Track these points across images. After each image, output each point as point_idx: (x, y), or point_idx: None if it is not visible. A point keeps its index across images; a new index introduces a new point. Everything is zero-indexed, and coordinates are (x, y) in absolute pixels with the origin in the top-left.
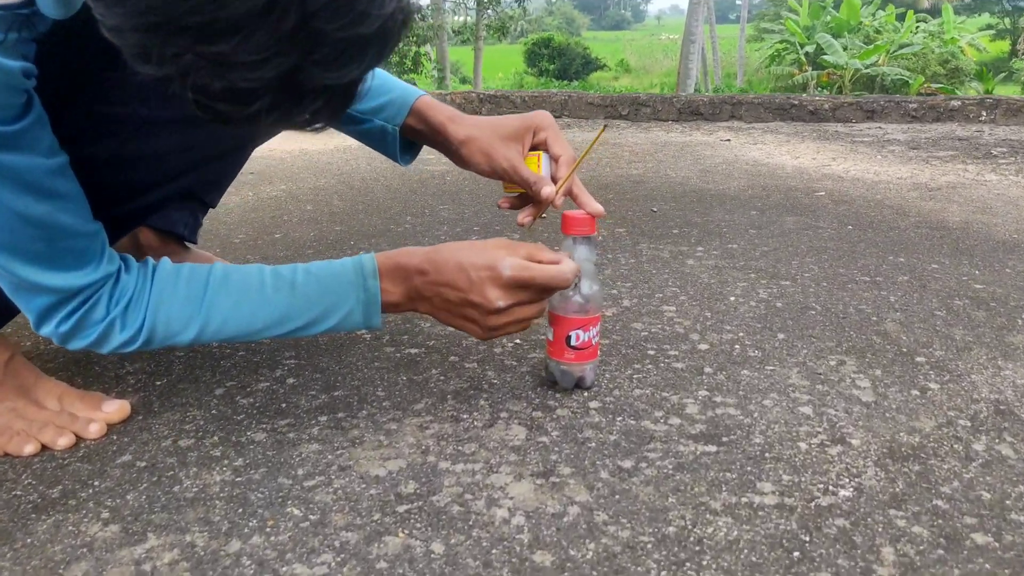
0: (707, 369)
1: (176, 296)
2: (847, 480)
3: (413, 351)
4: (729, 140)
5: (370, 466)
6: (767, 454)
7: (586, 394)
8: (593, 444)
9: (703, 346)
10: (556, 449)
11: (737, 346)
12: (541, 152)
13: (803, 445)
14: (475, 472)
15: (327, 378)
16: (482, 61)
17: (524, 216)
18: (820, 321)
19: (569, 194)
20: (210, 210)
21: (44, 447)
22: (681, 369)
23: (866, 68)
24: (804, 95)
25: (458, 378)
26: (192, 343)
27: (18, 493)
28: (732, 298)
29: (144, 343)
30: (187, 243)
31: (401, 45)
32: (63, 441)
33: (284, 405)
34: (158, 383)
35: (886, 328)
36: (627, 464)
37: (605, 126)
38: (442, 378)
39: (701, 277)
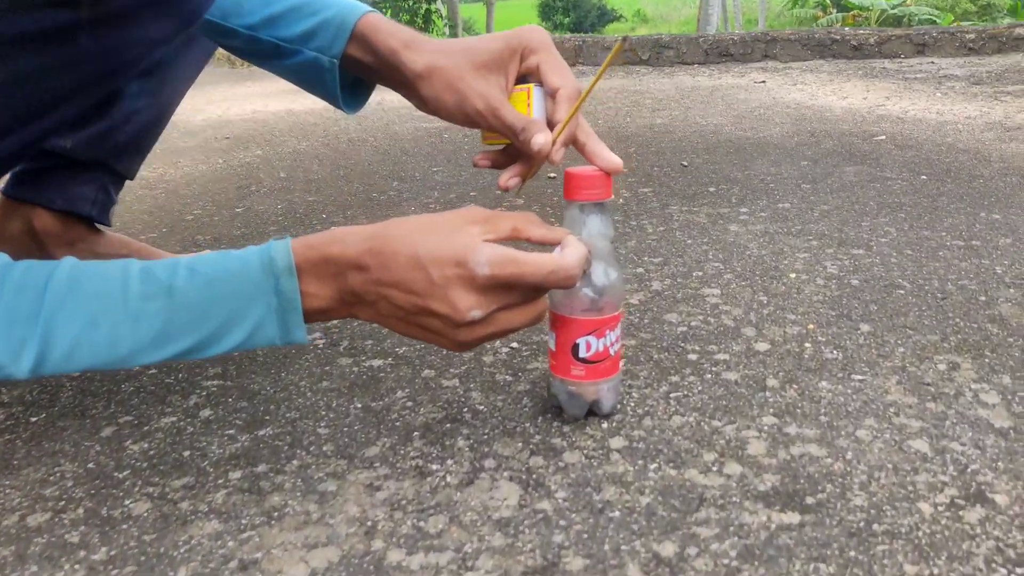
0: (771, 381)
1: None
2: (1005, 571)
3: (376, 363)
4: (764, 82)
5: (286, 562)
6: (876, 526)
7: (605, 425)
8: (617, 513)
9: (761, 345)
10: (562, 524)
11: (808, 344)
12: (532, 85)
13: (926, 508)
14: (440, 570)
15: (254, 409)
16: (495, 16)
17: (508, 178)
18: (913, 304)
19: (573, 143)
20: (165, 184)
21: None
22: (735, 382)
23: (893, 8)
24: (847, 28)
25: (431, 403)
26: (32, 375)
27: None
28: (792, 275)
29: None
30: (98, 225)
31: (411, 2)
32: None
33: (187, 454)
34: (34, 419)
35: (1001, 312)
36: (668, 551)
37: (624, 38)
38: (409, 404)
39: (749, 247)
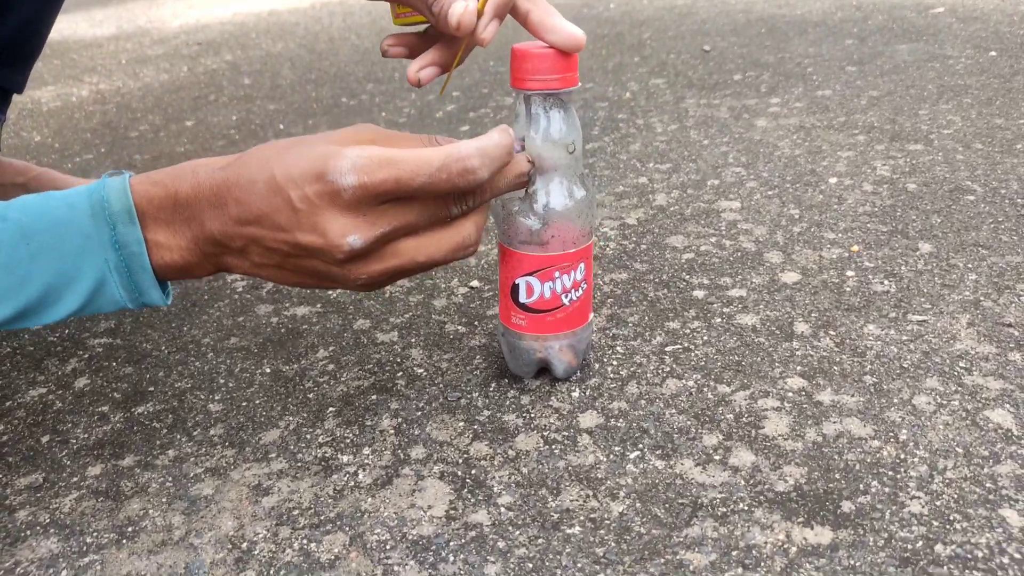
0: (799, 326)
1: None
2: None
3: (301, 312)
4: None
5: None
6: (941, 548)
7: (576, 394)
8: (577, 529)
9: (789, 276)
10: (501, 547)
11: (850, 273)
12: None
13: (1014, 517)
14: None
15: (139, 376)
16: None
17: (419, 68)
18: (987, 215)
19: (512, 14)
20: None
21: None
22: (752, 328)
23: None
24: None
25: (357, 366)
26: None
27: None
28: (832, 179)
29: None
30: None
31: None
32: None
33: (45, 439)
34: None
35: None
36: None
37: None
38: (330, 368)
39: (779, 146)
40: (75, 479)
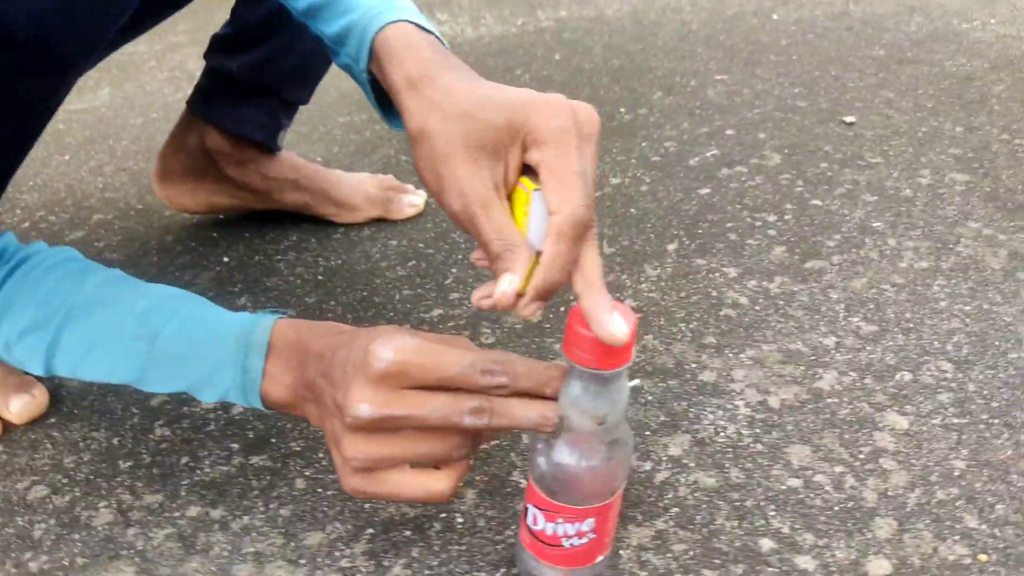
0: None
1: (33, 294)
2: None
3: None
4: None
5: None
6: None
7: None
8: None
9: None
10: None
11: None
12: (535, 186)
13: None
14: None
15: (276, 419)
16: None
17: (480, 297)
18: None
19: (574, 288)
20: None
21: None
22: None
23: None
24: None
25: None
26: (48, 375)
27: None
28: None
29: None
30: (271, 150)
31: None
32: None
33: (183, 461)
34: None
35: None
36: None
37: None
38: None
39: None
40: (184, 514)
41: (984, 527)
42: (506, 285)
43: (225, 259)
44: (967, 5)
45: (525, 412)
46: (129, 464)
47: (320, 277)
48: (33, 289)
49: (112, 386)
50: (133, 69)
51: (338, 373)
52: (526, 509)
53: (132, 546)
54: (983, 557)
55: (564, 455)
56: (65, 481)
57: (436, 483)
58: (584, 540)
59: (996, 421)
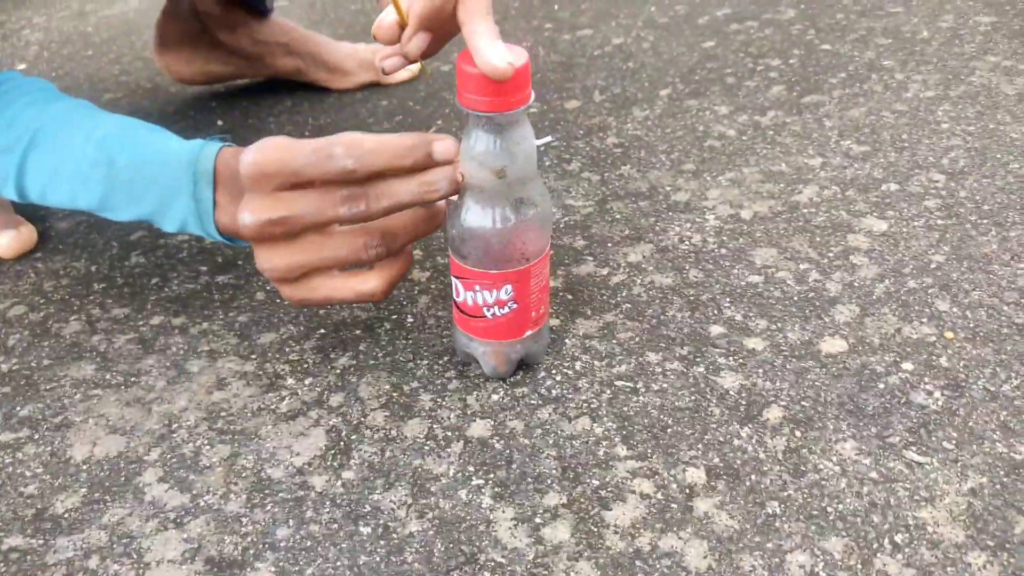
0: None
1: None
2: None
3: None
4: None
5: (84, 436)
6: None
7: (494, 397)
8: (367, 531)
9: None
10: (310, 515)
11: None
12: None
13: None
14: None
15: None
16: None
17: (385, 56)
18: None
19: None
20: None
21: None
22: (721, 394)
23: None
24: None
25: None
26: (21, 200)
27: None
28: None
29: None
30: (261, 13)
31: None
32: None
33: (153, 281)
34: None
35: None
36: None
37: None
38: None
39: None
40: (147, 323)
41: (955, 310)
42: (387, 23)
43: (219, 122)
44: None
45: (403, 185)
46: (103, 286)
47: (307, 133)
48: (0, 111)
49: (96, 223)
50: None
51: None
52: (452, 282)
53: (95, 349)
54: (949, 335)
55: (468, 215)
56: (42, 302)
57: (364, 284)
58: (505, 310)
59: (985, 221)
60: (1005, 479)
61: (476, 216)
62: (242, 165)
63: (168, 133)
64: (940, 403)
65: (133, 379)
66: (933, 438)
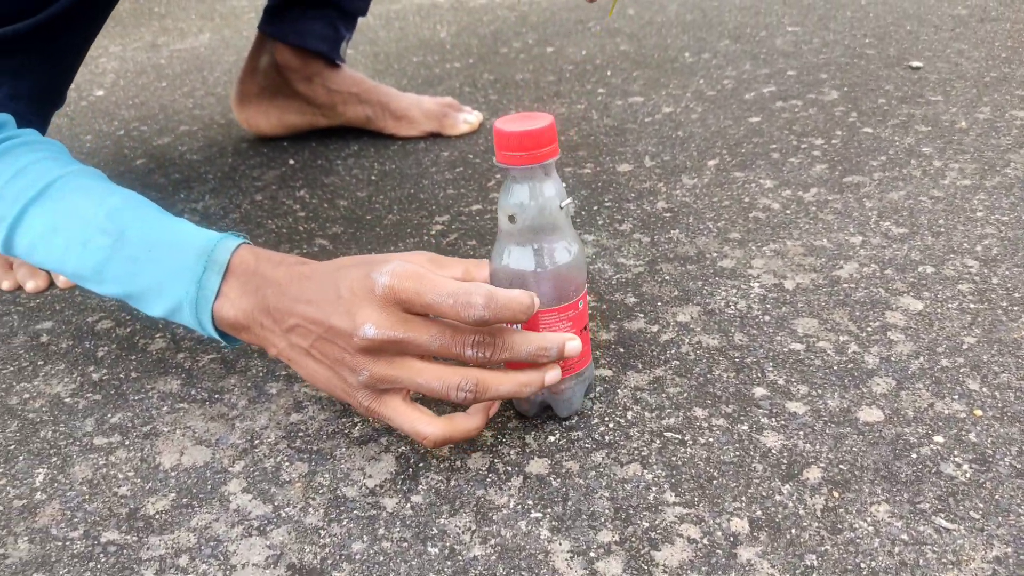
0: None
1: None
2: None
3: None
4: None
5: (171, 446)
6: None
7: (551, 438)
8: (434, 551)
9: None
10: (381, 532)
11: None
12: None
13: None
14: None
15: None
16: None
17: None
18: None
19: None
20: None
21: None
22: (764, 452)
23: None
24: None
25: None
26: (3, 250)
27: None
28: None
29: None
30: (335, 62)
31: None
32: (31, 285)
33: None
34: None
35: None
36: None
37: None
38: None
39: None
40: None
41: (985, 390)
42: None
43: (291, 161)
44: None
45: (524, 345)
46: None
47: (373, 177)
48: (15, 160)
49: None
50: (233, 18)
51: (331, 300)
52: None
53: (180, 366)
54: (978, 412)
55: (492, 253)
56: (128, 318)
57: (427, 426)
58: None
59: (1016, 308)
60: None
61: (495, 254)
62: (377, 287)
63: (176, 217)
64: (968, 475)
65: (217, 396)
66: (961, 507)
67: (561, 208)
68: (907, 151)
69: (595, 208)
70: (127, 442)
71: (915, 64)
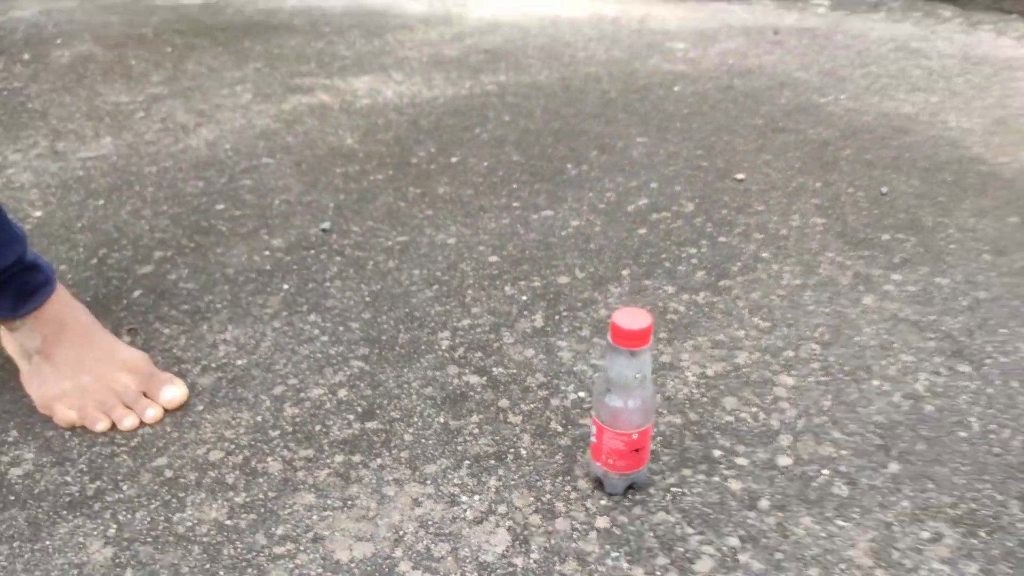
0: (762, 503)
1: None
2: None
3: (474, 380)
4: None
5: (339, 544)
6: None
7: (603, 502)
8: None
9: (783, 460)
10: None
11: (826, 472)
12: None
13: None
14: None
15: (376, 397)
16: None
17: None
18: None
19: None
20: (414, 109)
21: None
22: (733, 493)
23: None
24: None
25: (491, 435)
26: None
27: (68, 480)
28: (875, 381)
29: None
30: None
31: None
32: (128, 423)
33: (317, 428)
34: (239, 362)
35: None
36: None
37: None
38: (476, 431)
39: (863, 331)
40: (327, 460)
41: (842, 437)
42: None
43: (285, 286)
44: (824, 82)
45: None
46: (277, 432)
47: (367, 299)
48: None
49: (236, 377)
50: (124, 118)
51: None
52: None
53: (305, 482)
54: (844, 452)
55: (614, 400)
56: (233, 447)
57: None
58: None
59: (848, 378)
60: None
61: (619, 401)
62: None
63: None
64: (846, 492)
65: (349, 503)
66: (840, 511)
67: (636, 377)
68: (753, 257)
69: (557, 319)
70: (301, 548)
71: (739, 176)
